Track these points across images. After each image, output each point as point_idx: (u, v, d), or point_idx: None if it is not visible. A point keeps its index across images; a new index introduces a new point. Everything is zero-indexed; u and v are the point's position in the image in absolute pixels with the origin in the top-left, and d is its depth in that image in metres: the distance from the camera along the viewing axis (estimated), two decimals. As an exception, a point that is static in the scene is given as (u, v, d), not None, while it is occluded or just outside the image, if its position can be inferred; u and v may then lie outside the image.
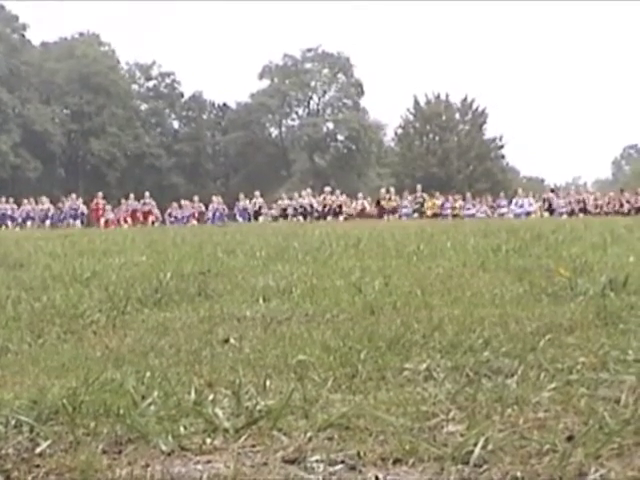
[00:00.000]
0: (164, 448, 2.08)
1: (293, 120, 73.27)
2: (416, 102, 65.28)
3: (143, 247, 9.41)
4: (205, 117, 72.76)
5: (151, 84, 72.09)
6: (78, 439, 2.16)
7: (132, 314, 4.49)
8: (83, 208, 39.34)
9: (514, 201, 38.29)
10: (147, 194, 40.69)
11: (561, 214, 35.43)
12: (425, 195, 39.68)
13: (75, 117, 64.39)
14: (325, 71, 71.68)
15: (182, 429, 2.19)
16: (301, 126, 71.09)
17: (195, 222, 38.84)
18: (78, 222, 37.81)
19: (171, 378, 2.71)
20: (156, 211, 40.49)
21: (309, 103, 72.84)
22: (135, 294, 4.98)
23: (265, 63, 71.17)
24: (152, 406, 2.36)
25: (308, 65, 71.88)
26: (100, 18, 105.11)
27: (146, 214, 39.51)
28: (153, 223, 38.81)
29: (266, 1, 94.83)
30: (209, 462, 2.00)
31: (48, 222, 37.98)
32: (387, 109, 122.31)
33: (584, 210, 37.17)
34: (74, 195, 40.25)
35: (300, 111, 73.28)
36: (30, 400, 2.44)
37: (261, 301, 4.65)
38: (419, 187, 40.51)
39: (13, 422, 2.27)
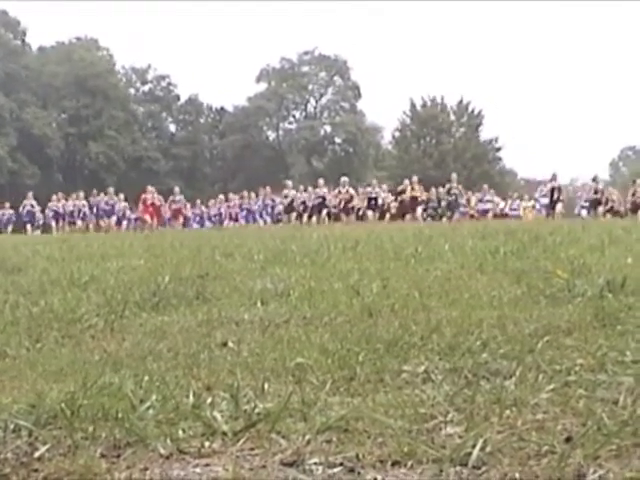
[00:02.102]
0: (163, 451, 2.08)
1: (290, 123, 73.36)
2: (412, 105, 65.38)
3: (141, 251, 9.41)
4: (202, 121, 72.75)
5: (147, 88, 72.10)
6: (77, 443, 2.16)
7: (130, 318, 4.48)
8: (124, 205, 34.49)
9: (539, 190, 32.75)
10: (177, 189, 34.87)
11: (587, 209, 30.27)
12: (460, 187, 32.76)
13: (73, 121, 64.35)
14: (322, 74, 71.75)
15: (181, 432, 2.19)
16: (298, 129, 71.14)
17: (230, 222, 33.52)
18: (114, 220, 33.28)
19: (169, 382, 2.72)
20: (187, 211, 35.42)
21: (306, 106, 72.89)
22: (133, 298, 4.98)
23: (262, 66, 71.27)
24: (150, 410, 2.36)
25: (305, 68, 71.96)
26: (95, 21, 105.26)
27: (176, 212, 33.83)
28: (184, 224, 34.05)
29: (262, 4, 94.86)
30: (208, 465, 2.00)
31: (80, 222, 33.42)
32: (384, 112, 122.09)
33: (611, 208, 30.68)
34: (111, 189, 35.23)
35: (297, 114, 73.38)
36: (28, 404, 2.44)
37: (259, 304, 4.65)
38: (454, 176, 32.79)
39: (12, 426, 2.27)
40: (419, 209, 31.13)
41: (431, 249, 7.63)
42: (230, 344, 3.51)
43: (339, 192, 31.60)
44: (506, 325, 3.54)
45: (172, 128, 72.65)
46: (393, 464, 1.94)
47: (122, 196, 34.55)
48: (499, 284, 4.92)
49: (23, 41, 65.94)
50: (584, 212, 30.67)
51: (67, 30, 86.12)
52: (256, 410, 2.33)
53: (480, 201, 34.05)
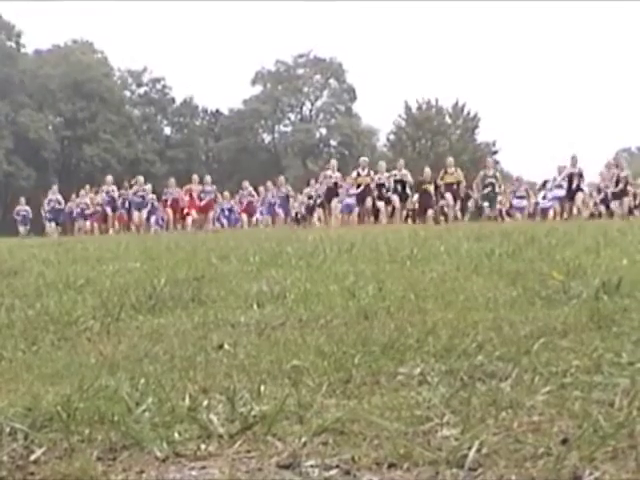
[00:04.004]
0: (159, 454, 2.08)
1: (286, 126, 73.49)
2: (407, 107, 65.40)
3: (137, 253, 9.39)
4: (198, 123, 72.83)
5: (142, 90, 72.17)
6: (73, 446, 2.16)
7: (126, 321, 4.48)
8: (152, 197, 29.58)
9: (551, 180, 26.81)
10: (208, 178, 29.35)
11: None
12: (498, 175, 27.48)
13: (68, 124, 64.39)
14: (317, 77, 71.86)
15: (177, 435, 2.19)
16: (294, 132, 71.19)
17: (245, 218, 29.34)
18: (144, 215, 28.86)
19: (165, 384, 2.71)
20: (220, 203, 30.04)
21: (301, 109, 73.02)
22: (129, 300, 4.97)
23: (257, 69, 71.34)
24: (146, 412, 2.36)
25: (300, 71, 72.04)
26: (91, 24, 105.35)
27: (206, 207, 28.48)
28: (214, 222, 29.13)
29: (257, 6, 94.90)
30: (204, 468, 2.00)
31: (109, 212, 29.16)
32: (380, 114, 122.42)
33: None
34: (141, 177, 30.21)
35: (293, 117, 73.49)
36: (24, 407, 2.44)
37: (255, 307, 4.65)
38: (490, 161, 28.18)
39: (7, 429, 2.27)
40: (449, 197, 25.80)
41: (426, 251, 7.62)
42: (226, 347, 3.50)
43: (358, 175, 26.80)
44: (502, 327, 3.54)
45: (167, 131, 72.77)
46: (389, 466, 1.95)
47: (149, 186, 30.01)
48: (494, 286, 4.92)
49: (17, 44, 65.87)
50: (615, 205, 25.19)
51: (63, 32, 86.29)
52: (252, 412, 2.33)
53: (514, 196, 28.91)
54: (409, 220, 27.29)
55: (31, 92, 63.65)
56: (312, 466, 1.96)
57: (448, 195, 25.94)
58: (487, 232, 10.44)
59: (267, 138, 73.50)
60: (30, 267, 7.81)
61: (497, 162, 65.25)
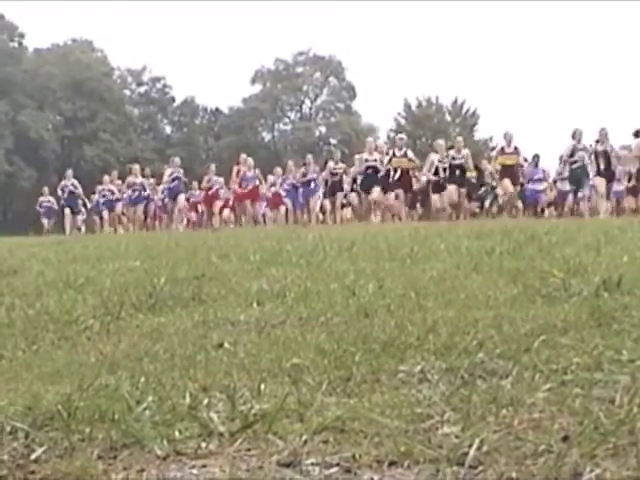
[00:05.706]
0: (159, 453, 2.08)
1: (286, 124, 73.47)
2: (407, 105, 65.42)
3: (137, 252, 9.39)
4: (198, 122, 72.82)
5: (142, 89, 72.19)
6: (73, 445, 2.16)
7: (126, 319, 4.48)
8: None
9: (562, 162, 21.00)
10: (250, 161, 24.49)
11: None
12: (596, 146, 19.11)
13: (69, 123, 64.38)
14: (317, 75, 71.84)
15: (177, 433, 2.19)
16: (294, 130, 71.21)
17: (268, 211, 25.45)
18: (182, 200, 25.11)
19: (166, 383, 2.71)
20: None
21: (301, 107, 73.03)
22: (129, 299, 4.97)
23: (257, 67, 71.35)
24: (147, 411, 2.36)
25: (300, 69, 72.05)
26: (90, 22, 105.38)
27: (251, 195, 24.07)
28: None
29: (257, 5, 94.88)
30: (204, 466, 2.00)
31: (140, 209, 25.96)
32: (380, 112, 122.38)
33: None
34: (177, 159, 26.77)
35: (292, 115, 73.50)
36: (25, 406, 2.44)
37: (255, 305, 4.64)
38: (579, 131, 19.35)
39: (8, 428, 2.27)
40: (507, 185, 20.24)
41: (427, 249, 7.61)
42: (226, 345, 3.50)
43: (393, 155, 20.79)
44: (502, 325, 3.53)
45: (168, 130, 72.74)
46: (390, 464, 1.94)
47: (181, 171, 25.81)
48: (495, 284, 4.91)
49: (20, 44, 65.92)
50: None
51: (62, 31, 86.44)
52: (252, 411, 2.33)
53: (531, 180, 22.57)
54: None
55: (31, 91, 63.65)
56: (313, 464, 1.96)
57: (506, 182, 20.34)
58: (487, 230, 10.42)
59: (267, 136, 73.51)
60: (30, 266, 7.80)
61: (496, 158, 65.46)
